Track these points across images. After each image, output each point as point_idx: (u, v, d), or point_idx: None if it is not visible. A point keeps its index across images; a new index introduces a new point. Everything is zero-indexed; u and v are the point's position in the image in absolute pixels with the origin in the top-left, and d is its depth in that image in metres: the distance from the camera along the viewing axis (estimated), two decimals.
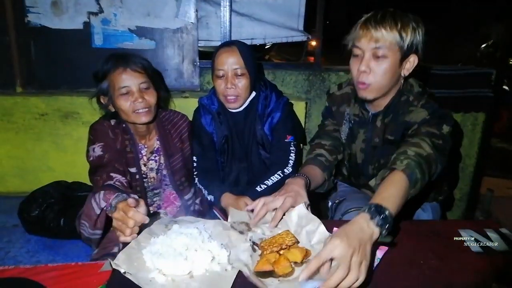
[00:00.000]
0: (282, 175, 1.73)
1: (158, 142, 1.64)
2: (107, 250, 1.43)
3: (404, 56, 1.35)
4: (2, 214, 2.39)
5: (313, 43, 2.85)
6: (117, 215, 1.05)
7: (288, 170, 1.75)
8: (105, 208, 1.25)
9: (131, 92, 1.47)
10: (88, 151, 1.50)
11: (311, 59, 3.33)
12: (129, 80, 1.46)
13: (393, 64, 1.34)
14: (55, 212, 2.12)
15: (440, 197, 1.75)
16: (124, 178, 1.40)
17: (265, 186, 1.70)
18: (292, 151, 1.79)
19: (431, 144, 1.29)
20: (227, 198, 1.69)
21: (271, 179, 1.72)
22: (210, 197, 1.76)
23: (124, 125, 1.57)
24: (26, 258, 2.01)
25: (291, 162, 1.77)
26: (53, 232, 2.12)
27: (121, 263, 0.93)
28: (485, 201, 2.94)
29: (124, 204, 1.05)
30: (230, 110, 1.79)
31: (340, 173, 1.80)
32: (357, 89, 1.43)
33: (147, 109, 1.50)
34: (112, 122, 1.57)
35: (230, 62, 1.66)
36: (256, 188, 1.70)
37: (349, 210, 1.48)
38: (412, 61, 1.38)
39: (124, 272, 0.90)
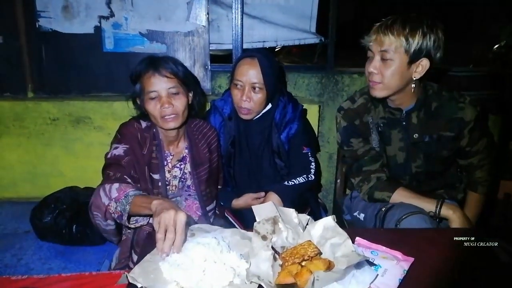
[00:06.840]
0: (306, 179, 1.73)
1: (186, 150, 1.62)
2: (123, 264, 1.40)
3: (412, 60, 1.42)
4: (14, 220, 2.39)
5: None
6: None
7: (311, 177, 1.76)
8: (114, 199, 1.27)
9: (159, 97, 1.46)
10: (110, 147, 1.49)
11: None
12: (157, 85, 1.45)
13: (399, 66, 1.43)
14: (67, 218, 2.10)
15: (458, 195, 1.75)
16: (136, 184, 1.40)
17: (293, 183, 1.70)
18: (312, 161, 1.80)
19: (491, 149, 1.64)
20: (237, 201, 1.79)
21: (297, 179, 1.72)
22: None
23: (154, 130, 1.55)
24: (38, 266, 1.99)
25: (312, 170, 1.77)
26: (65, 239, 2.10)
27: (137, 276, 0.91)
28: (503, 206, 2.85)
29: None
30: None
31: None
32: (369, 88, 1.54)
33: (174, 115, 1.47)
34: (143, 124, 1.55)
35: (250, 76, 1.64)
36: (284, 183, 1.70)
37: (404, 217, 1.41)
38: (424, 65, 1.44)
39: (141, 286, 0.87)
